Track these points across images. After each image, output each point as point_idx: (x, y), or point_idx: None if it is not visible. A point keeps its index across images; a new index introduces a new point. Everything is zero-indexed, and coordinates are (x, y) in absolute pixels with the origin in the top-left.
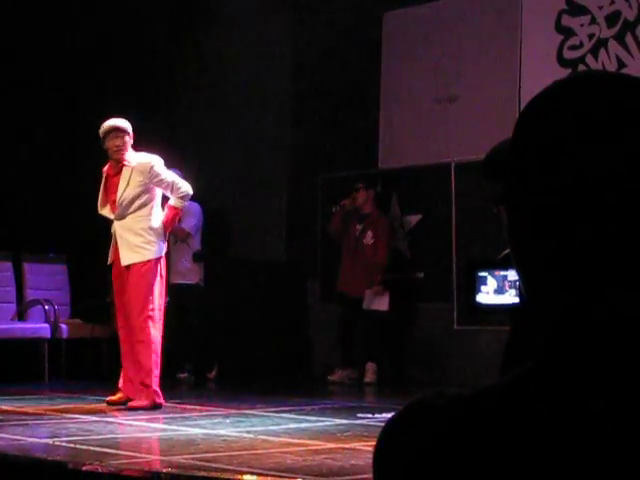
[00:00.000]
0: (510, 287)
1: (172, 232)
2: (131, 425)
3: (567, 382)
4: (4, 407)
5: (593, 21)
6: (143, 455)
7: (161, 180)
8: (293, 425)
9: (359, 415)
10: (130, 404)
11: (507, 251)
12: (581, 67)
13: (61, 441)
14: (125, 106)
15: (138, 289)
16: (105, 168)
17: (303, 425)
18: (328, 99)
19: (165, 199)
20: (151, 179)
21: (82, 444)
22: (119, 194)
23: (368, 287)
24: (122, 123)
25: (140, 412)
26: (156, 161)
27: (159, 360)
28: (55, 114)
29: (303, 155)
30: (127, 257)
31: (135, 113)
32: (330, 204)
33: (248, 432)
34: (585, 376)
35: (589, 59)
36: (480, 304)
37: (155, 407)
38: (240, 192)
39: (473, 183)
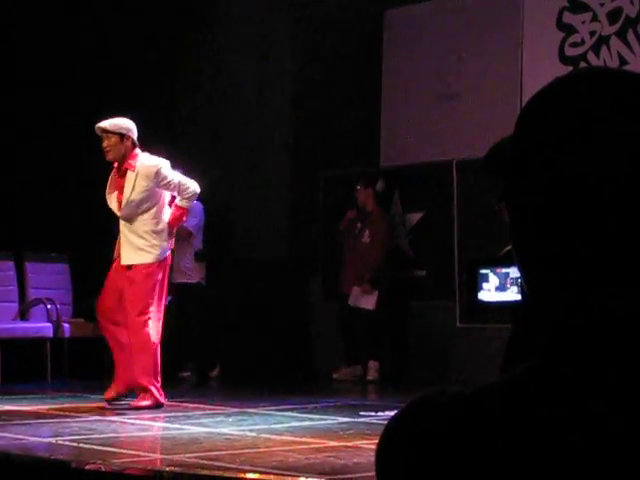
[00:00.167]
0: (512, 284)
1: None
2: (133, 424)
3: (567, 382)
4: (7, 407)
5: (594, 18)
6: (146, 454)
7: (168, 183)
8: (295, 423)
9: (362, 413)
10: (133, 403)
11: (509, 248)
12: (582, 64)
13: (64, 440)
14: (127, 105)
15: (139, 290)
16: (115, 164)
17: (306, 423)
18: (330, 97)
19: (173, 196)
20: (158, 183)
21: (85, 443)
22: (124, 197)
23: (357, 284)
24: (110, 124)
25: (142, 411)
26: (162, 164)
27: (159, 360)
28: (56, 113)
29: (305, 153)
30: (129, 257)
31: (137, 112)
32: (332, 202)
33: (250, 430)
34: (585, 376)
35: (590, 56)
36: (482, 301)
37: (157, 406)
38: (242, 191)
39: (475, 181)
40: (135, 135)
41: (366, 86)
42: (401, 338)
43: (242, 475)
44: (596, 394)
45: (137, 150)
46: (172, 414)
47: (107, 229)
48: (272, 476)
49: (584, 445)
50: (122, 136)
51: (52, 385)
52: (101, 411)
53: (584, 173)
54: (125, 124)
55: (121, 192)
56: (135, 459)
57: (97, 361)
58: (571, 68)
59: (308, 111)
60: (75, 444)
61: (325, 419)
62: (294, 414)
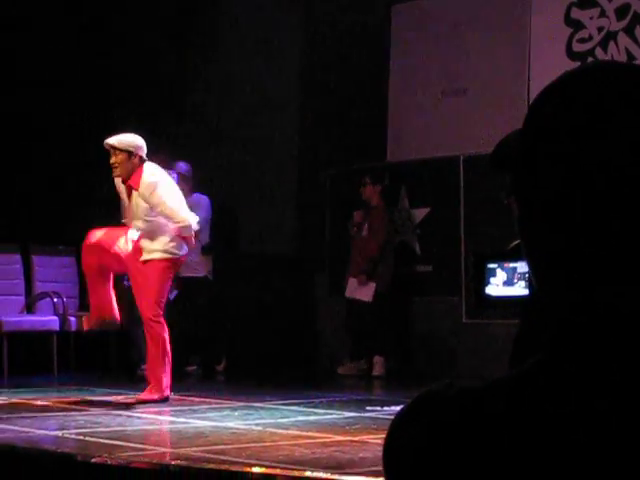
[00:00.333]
0: (519, 279)
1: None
2: (140, 418)
3: (571, 380)
4: (13, 399)
5: (602, 14)
6: (152, 447)
7: (162, 208)
8: (302, 418)
9: (368, 408)
10: (139, 397)
11: (517, 242)
12: (590, 60)
13: (70, 433)
14: (133, 105)
15: (152, 283)
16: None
17: (312, 418)
18: (337, 93)
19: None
20: (152, 204)
21: (91, 436)
22: (132, 217)
23: (353, 275)
24: (119, 142)
25: (149, 405)
26: (159, 183)
27: (169, 354)
28: (64, 110)
29: (312, 149)
30: (146, 254)
31: (144, 112)
32: (338, 198)
33: (257, 425)
34: (589, 374)
35: (598, 52)
36: (489, 296)
37: (163, 400)
38: (249, 186)
39: (482, 176)
40: (144, 152)
41: (373, 81)
42: (407, 333)
43: (248, 469)
44: (600, 392)
45: (144, 165)
46: (178, 408)
47: (114, 222)
48: (278, 470)
49: (588, 442)
50: (130, 153)
51: (58, 378)
52: (107, 404)
53: (593, 167)
54: (134, 142)
55: (130, 208)
56: (141, 453)
57: (103, 355)
58: (579, 64)
59: (315, 106)
60: (81, 437)
61: (331, 414)
62: (300, 408)
